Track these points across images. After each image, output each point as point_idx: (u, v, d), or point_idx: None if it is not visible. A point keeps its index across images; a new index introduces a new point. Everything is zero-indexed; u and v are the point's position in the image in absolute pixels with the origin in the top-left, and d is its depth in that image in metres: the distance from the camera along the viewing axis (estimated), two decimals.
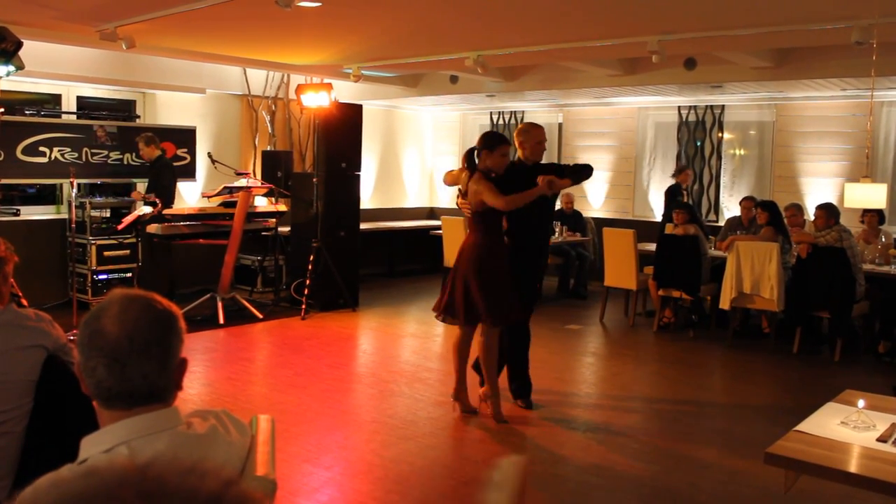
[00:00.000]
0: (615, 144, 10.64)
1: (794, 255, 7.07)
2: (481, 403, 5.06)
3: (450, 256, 7.19)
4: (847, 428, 2.95)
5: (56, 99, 8.49)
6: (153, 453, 1.35)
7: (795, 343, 6.94)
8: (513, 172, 4.99)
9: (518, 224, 5.05)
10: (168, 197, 7.87)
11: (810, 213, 7.72)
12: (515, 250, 5.01)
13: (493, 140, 4.85)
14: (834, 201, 7.71)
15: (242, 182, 7.76)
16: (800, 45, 6.83)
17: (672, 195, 9.13)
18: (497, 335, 4.93)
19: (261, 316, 7.83)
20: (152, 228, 7.59)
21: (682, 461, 4.41)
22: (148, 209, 7.51)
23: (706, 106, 9.77)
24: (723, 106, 9.68)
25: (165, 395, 1.43)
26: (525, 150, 5.07)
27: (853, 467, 2.67)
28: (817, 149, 9.06)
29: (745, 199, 8.31)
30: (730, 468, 4.30)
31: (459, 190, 4.98)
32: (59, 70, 7.90)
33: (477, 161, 4.84)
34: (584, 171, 5.12)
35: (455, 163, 11.02)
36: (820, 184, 9.02)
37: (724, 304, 7.22)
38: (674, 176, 9.38)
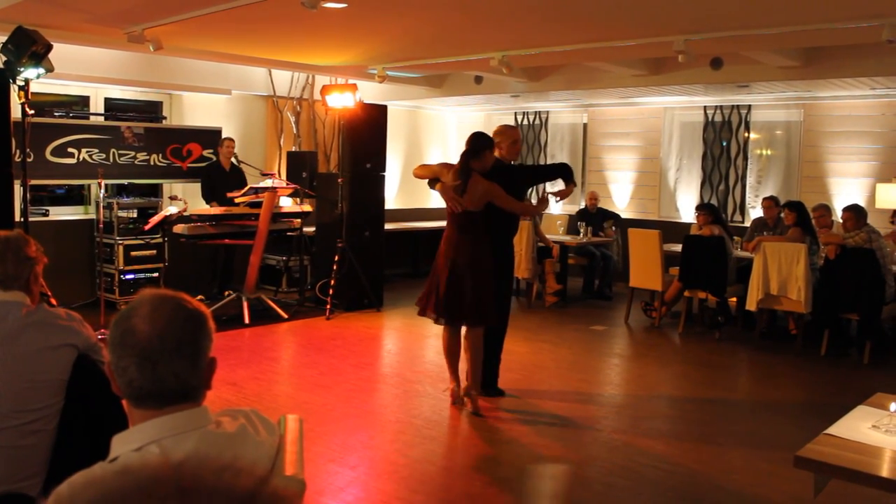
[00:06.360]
0: (640, 145, 10.58)
1: (822, 257, 6.99)
2: (464, 398, 5.17)
3: None
4: (879, 432, 2.91)
5: (84, 100, 8.59)
6: (184, 452, 1.36)
7: (823, 345, 6.85)
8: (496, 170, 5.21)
9: (501, 227, 5.28)
10: None
11: (838, 214, 7.61)
12: (498, 253, 5.20)
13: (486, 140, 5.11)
14: (863, 202, 7.61)
15: (268, 183, 7.80)
16: (828, 43, 6.73)
17: None
18: (482, 334, 5.11)
19: (286, 316, 7.87)
20: (179, 229, 7.66)
21: (709, 464, 4.37)
22: (174, 209, 7.57)
23: (732, 106, 9.68)
24: (749, 106, 9.58)
25: (196, 395, 1.44)
26: (502, 149, 5.30)
27: (885, 472, 2.64)
28: (846, 149, 8.95)
29: (766, 198, 8.23)
30: (757, 471, 4.27)
31: (443, 184, 5.06)
32: (88, 72, 7.99)
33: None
34: (565, 170, 5.44)
35: None
36: (848, 184, 8.90)
37: (751, 305, 7.17)
38: None
